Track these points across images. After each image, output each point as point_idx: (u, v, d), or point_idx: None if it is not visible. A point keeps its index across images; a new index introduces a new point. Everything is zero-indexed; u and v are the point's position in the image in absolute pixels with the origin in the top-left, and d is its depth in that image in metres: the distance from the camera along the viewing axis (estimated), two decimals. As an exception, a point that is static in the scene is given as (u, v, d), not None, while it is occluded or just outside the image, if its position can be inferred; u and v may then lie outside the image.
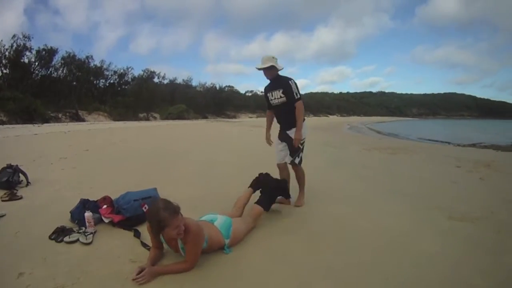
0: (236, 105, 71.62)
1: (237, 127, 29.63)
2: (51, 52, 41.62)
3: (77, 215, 3.75)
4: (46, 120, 31.24)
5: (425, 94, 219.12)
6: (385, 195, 5.28)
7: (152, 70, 57.90)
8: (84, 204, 3.86)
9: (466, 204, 4.80)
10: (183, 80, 67.52)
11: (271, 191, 4.06)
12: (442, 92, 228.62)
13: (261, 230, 3.68)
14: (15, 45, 38.23)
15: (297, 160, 4.59)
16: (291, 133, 4.49)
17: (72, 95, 39.60)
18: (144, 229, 3.27)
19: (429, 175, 7.11)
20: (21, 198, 4.86)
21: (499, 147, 16.30)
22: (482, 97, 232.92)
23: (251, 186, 4.24)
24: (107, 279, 2.63)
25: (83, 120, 36.36)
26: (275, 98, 4.49)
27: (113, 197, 4.01)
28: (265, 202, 3.87)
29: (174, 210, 2.62)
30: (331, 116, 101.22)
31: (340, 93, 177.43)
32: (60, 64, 42.90)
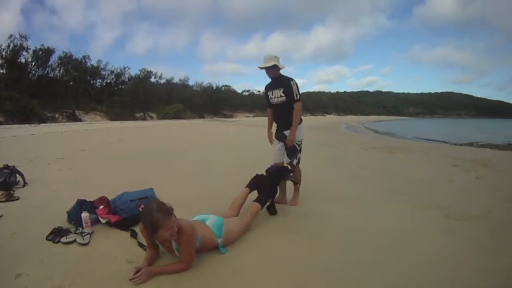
0: (233, 105, 71.68)
1: (234, 127, 29.60)
2: (48, 52, 41.54)
3: (74, 215, 3.75)
4: (43, 120, 31.17)
5: (422, 93, 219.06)
6: (382, 195, 5.29)
7: (149, 70, 58.07)
8: (81, 205, 3.86)
9: (463, 204, 4.83)
10: (180, 79, 67.74)
11: (269, 187, 4.09)
12: (439, 91, 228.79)
13: (257, 230, 3.68)
14: (12, 45, 38.21)
15: (295, 161, 4.62)
16: (288, 133, 4.50)
17: (69, 95, 39.55)
18: (140, 230, 3.26)
19: (426, 175, 7.14)
20: (18, 198, 4.85)
21: (496, 146, 16.38)
22: (479, 96, 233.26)
23: (248, 186, 4.25)
24: (104, 279, 2.63)
25: (80, 120, 36.30)
26: (275, 97, 4.49)
27: (110, 198, 4.01)
28: (262, 199, 3.89)
29: (167, 211, 2.63)
30: (328, 116, 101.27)
31: (337, 92, 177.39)
32: (57, 64, 42.92)
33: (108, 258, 2.98)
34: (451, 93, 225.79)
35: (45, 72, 42.44)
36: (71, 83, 43.33)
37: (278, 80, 4.46)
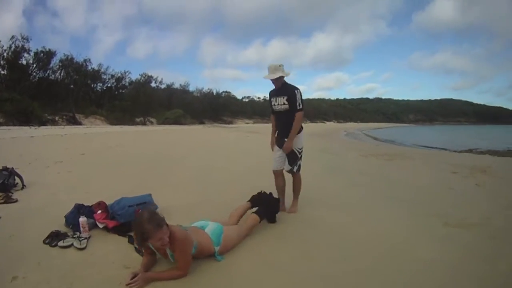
0: (233, 111, 71.86)
1: (233, 133, 29.65)
2: (49, 54, 41.72)
3: (71, 219, 3.75)
4: (43, 123, 31.25)
5: (422, 100, 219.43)
6: (382, 202, 5.28)
7: (149, 74, 57.98)
8: (79, 209, 3.86)
9: (462, 211, 4.82)
10: (180, 85, 67.95)
11: (268, 209, 4.09)
12: (439, 98, 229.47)
13: (254, 237, 3.67)
14: (13, 46, 38.44)
15: (295, 169, 4.63)
16: None
17: (69, 98, 39.63)
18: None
19: (426, 182, 7.13)
20: (16, 201, 4.85)
21: (496, 153, 16.40)
22: (478, 102, 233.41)
23: (250, 200, 4.24)
24: (100, 284, 2.63)
25: (80, 124, 36.39)
26: (278, 104, 4.49)
27: (108, 203, 4.01)
28: (262, 213, 3.90)
29: (158, 223, 2.62)
30: (327, 123, 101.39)
31: (337, 99, 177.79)
32: (58, 66, 43.14)
33: (105, 263, 2.97)
34: (451, 99, 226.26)
35: (46, 74, 42.69)
36: (72, 86, 43.43)
37: (283, 87, 4.46)
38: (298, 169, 4.65)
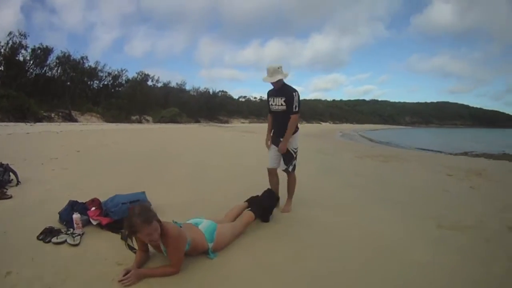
0: (229, 110, 71.72)
1: (229, 132, 29.64)
2: (47, 51, 41.47)
3: (65, 216, 3.76)
4: (39, 119, 31.06)
5: (418, 103, 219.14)
6: (376, 203, 5.29)
7: (146, 73, 57.52)
8: (73, 206, 3.88)
9: (456, 213, 4.85)
10: (176, 83, 67.41)
11: (264, 207, 4.12)
12: (435, 101, 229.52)
13: (247, 236, 3.69)
14: (10, 42, 38.11)
15: (290, 168, 4.66)
16: None
17: (66, 95, 39.38)
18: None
19: (421, 184, 7.16)
20: (10, 197, 4.85)
21: (491, 156, 16.48)
22: (475, 106, 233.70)
23: (247, 201, 4.26)
24: (93, 280, 2.65)
25: (76, 121, 36.21)
26: (276, 105, 4.53)
27: (102, 200, 4.02)
28: (257, 211, 3.94)
29: (147, 218, 2.63)
30: (323, 123, 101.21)
31: (334, 100, 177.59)
32: (55, 63, 42.75)
33: (98, 260, 2.99)
34: (447, 102, 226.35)
35: (43, 71, 42.33)
36: (68, 83, 43.17)
37: (282, 88, 4.49)
38: (293, 169, 4.68)
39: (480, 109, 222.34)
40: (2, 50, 37.49)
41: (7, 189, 5.15)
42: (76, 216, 3.54)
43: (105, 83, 51.37)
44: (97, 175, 6.82)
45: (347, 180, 7.29)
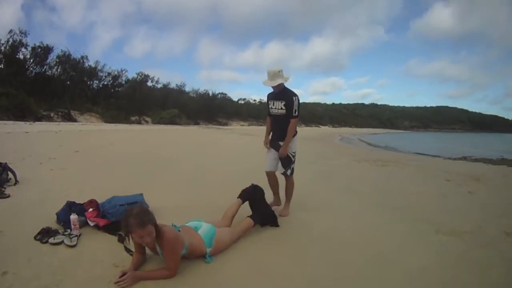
0: (228, 113, 71.83)
1: (228, 135, 29.67)
2: (47, 50, 41.61)
3: (62, 217, 3.76)
4: (38, 118, 31.09)
5: (417, 107, 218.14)
6: (374, 208, 5.28)
7: (146, 73, 57.70)
8: (70, 207, 3.88)
9: (454, 218, 4.83)
10: (176, 85, 67.65)
11: (263, 215, 4.10)
12: (434, 105, 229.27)
13: (245, 240, 3.68)
14: (11, 40, 38.26)
15: (289, 172, 4.67)
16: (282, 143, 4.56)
17: (65, 95, 39.48)
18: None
19: (419, 189, 7.12)
20: (8, 196, 4.87)
21: (490, 161, 16.38)
22: (474, 110, 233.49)
23: (239, 197, 4.26)
24: (90, 282, 2.65)
25: (75, 121, 36.24)
26: (275, 108, 4.55)
27: (100, 201, 4.04)
28: (257, 218, 3.93)
29: (141, 221, 2.63)
30: (322, 127, 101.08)
31: (333, 104, 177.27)
32: (55, 62, 43.00)
33: (95, 261, 2.99)
34: (446, 107, 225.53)
35: (43, 70, 42.47)
36: (68, 82, 43.34)
37: (282, 92, 4.51)
38: (292, 173, 4.69)
39: (479, 113, 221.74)
40: (3, 48, 37.62)
41: (5, 188, 5.17)
42: (73, 217, 3.55)
43: (105, 83, 51.55)
44: (95, 176, 6.84)
45: (345, 184, 7.29)
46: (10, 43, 38.12)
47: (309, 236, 3.94)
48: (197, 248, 3.05)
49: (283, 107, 4.44)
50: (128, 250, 3.17)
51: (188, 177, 7.27)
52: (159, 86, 61.34)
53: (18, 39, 38.68)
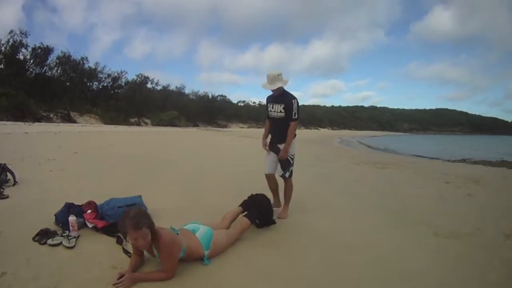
0: (228, 115, 71.70)
1: (228, 137, 29.68)
2: (47, 50, 41.57)
3: (61, 218, 3.77)
4: (37, 119, 31.04)
5: (417, 110, 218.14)
6: (373, 210, 5.28)
7: (146, 75, 57.66)
8: (69, 208, 3.88)
9: (453, 221, 4.84)
10: (176, 87, 67.45)
11: (260, 211, 4.08)
12: (434, 107, 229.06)
13: (243, 242, 3.68)
14: (11, 40, 38.22)
15: (287, 174, 4.69)
16: (282, 146, 4.57)
17: (65, 96, 39.44)
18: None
19: (418, 191, 7.11)
20: (7, 197, 4.87)
21: (489, 163, 16.42)
22: (474, 113, 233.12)
23: (241, 205, 4.23)
24: (88, 283, 2.66)
25: (75, 122, 36.21)
26: (275, 111, 4.57)
27: (99, 202, 4.04)
28: (253, 216, 3.92)
29: (137, 223, 2.64)
30: (322, 129, 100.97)
31: (332, 106, 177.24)
32: (55, 63, 42.89)
33: (93, 263, 3.00)
34: (446, 109, 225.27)
35: (43, 70, 42.39)
36: (68, 83, 43.28)
37: (281, 95, 4.53)
38: (290, 175, 4.71)
39: (479, 116, 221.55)
40: (3, 48, 37.61)
41: (4, 189, 5.16)
42: (72, 218, 3.55)
43: (105, 84, 51.42)
44: (94, 177, 6.82)
45: (344, 186, 7.30)
46: (10, 43, 38.11)
47: (308, 238, 3.94)
48: (195, 250, 3.05)
49: (282, 110, 4.46)
50: (126, 252, 3.17)
51: (187, 179, 7.26)
52: (158, 88, 61.39)
53: (18, 40, 38.68)
